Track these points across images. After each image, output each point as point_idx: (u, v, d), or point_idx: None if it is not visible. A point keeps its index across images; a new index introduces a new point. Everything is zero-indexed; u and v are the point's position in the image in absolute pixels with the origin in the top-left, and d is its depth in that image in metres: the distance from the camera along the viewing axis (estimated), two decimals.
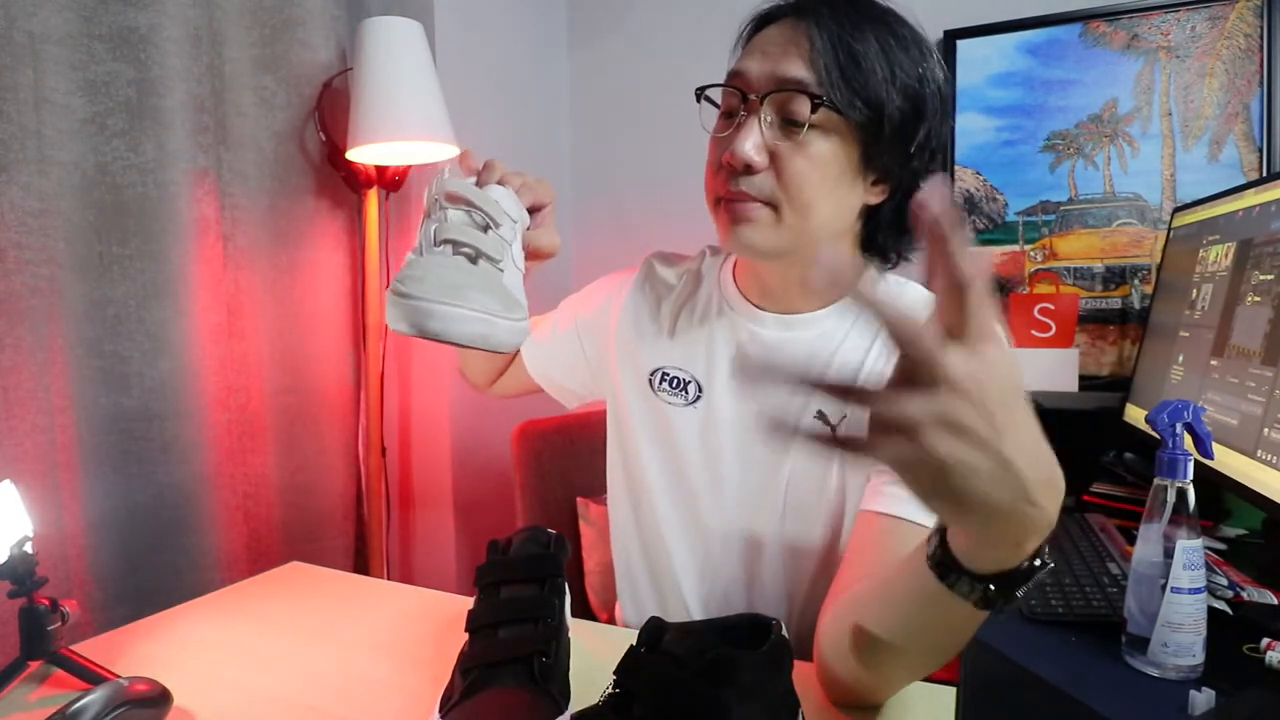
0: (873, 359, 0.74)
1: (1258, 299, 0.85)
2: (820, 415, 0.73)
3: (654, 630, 0.48)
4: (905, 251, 0.78)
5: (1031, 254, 1.43)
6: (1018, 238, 1.44)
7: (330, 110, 1.33)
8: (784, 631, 0.51)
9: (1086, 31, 1.37)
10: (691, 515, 0.82)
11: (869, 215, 0.74)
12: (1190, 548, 0.63)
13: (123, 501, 1.10)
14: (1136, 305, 1.36)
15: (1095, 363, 1.38)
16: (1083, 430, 1.20)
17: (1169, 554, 0.63)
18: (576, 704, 0.55)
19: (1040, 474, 0.38)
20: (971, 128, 1.46)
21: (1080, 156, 1.39)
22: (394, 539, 1.56)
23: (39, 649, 0.62)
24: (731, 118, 0.71)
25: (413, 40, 1.24)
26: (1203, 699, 0.58)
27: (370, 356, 1.39)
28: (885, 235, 0.76)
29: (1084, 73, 1.37)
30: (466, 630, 0.57)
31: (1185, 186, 1.32)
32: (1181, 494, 0.64)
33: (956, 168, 1.47)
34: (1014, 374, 0.37)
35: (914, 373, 0.35)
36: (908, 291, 0.77)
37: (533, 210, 0.69)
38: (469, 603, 0.59)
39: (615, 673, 0.47)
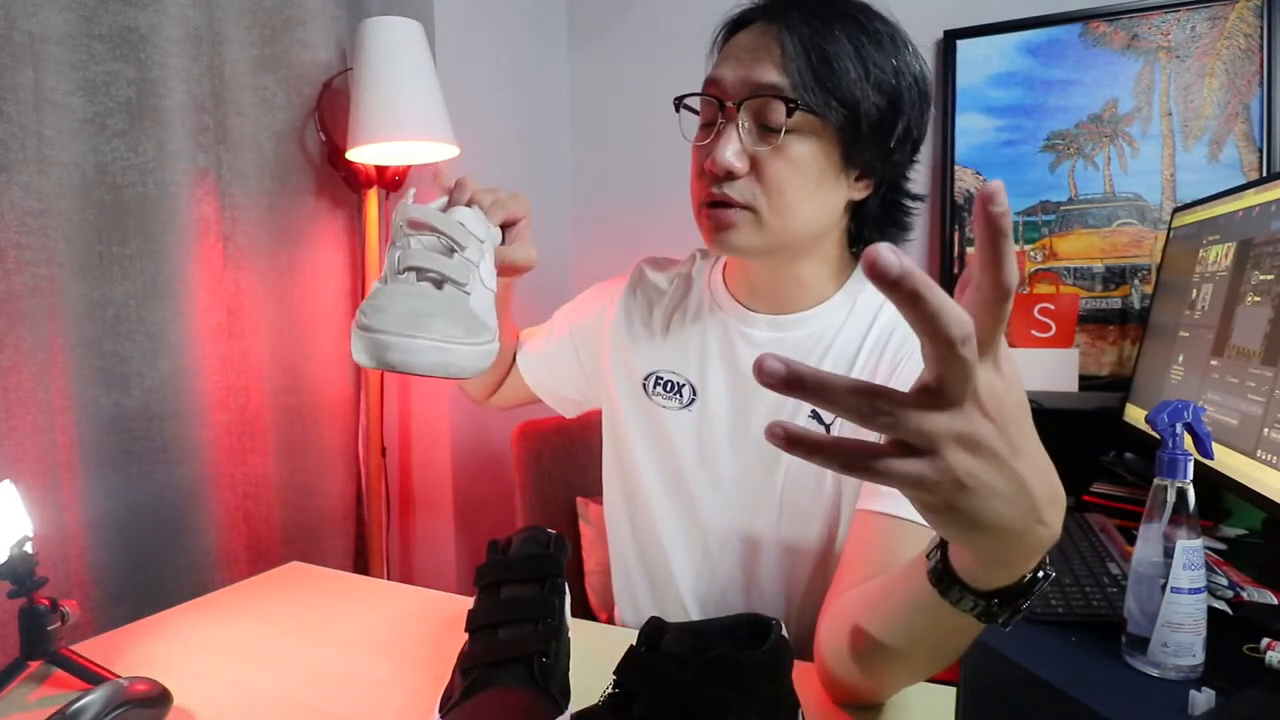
0: (864, 357, 0.74)
1: (1258, 299, 0.85)
2: (814, 415, 0.74)
3: (654, 630, 0.48)
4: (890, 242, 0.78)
5: (1031, 254, 1.43)
6: (1018, 238, 1.44)
7: (330, 110, 1.33)
8: (784, 631, 0.51)
9: (1086, 31, 1.37)
10: (689, 517, 0.82)
11: (855, 210, 0.75)
12: (1190, 548, 0.63)
13: (123, 501, 1.10)
14: (1136, 305, 1.36)
15: (1095, 363, 1.38)
16: (1083, 430, 1.20)
17: (1169, 554, 0.63)
18: (576, 704, 0.55)
19: (1048, 492, 0.37)
20: (971, 128, 1.46)
21: (1080, 156, 1.39)
22: (394, 539, 1.56)
23: (39, 649, 0.62)
24: (711, 125, 0.71)
25: (413, 40, 1.24)
26: (1203, 699, 0.58)
27: None
28: (871, 229, 0.76)
29: (1084, 73, 1.37)
30: (466, 630, 0.57)
31: (1185, 186, 1.32)
32: (1181, 494, 0.64)
33: (956, 168, 1.47)
34: (1023, 390, 0.36)
35: (944, 385, 0.31)
36: None
37: (507, 225, 0.70)
38: (469, 603, 0.59)
39: (615, 673, 0.47)
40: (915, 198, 0.78)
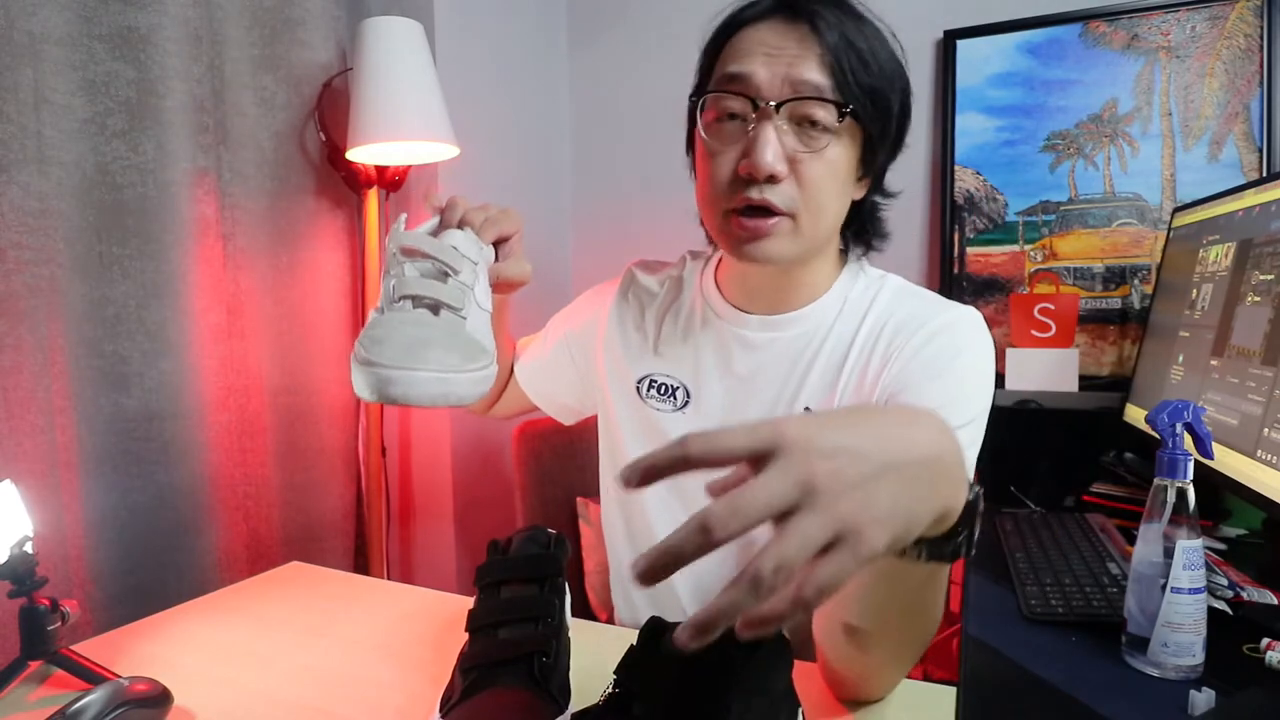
0: (857, 352, 0.74)
1: (1258, 299, 0.85)
2: (808, 411, 0.75)
3: (654, 630, 0.48)
4: (878, 240, 0.80)
5: (1031, 254, 1.43)
6: (1018, 238, 1.44)
7: (330, 110, 1.33)
8: (783, 631, 0.51)
9: (1086, 31, 1.37)
10: (684, 518, 0.82)
11: (853, 208, 0.75)
12: (1190, 548, 0.62)
13: (123, 501, 1.10)
14: (1136, 305, 1.36)
15: (1095, 363, 1.38)
16: (1083, 430, 1.20)
17: (1169, 554, 0.63)
18: (577, 704, 0.55)
19: (919, 442, 0.38)
20: (971, 128, 1.46)
21: (1080, 156, 1.39)
22: (394, 539, 1.56)
23: (39, 649, 0.62)
24: (733, 120, 0.68)
25: (413, 40, 1.24)
26: (1203, 699, 0.58)
27: None
28: (864, 226, 0.78)
29: (1084, 73, 1.37)
30: (466, 630, 0.57)
31: (1185, 186, 1.32)
32: (1181, 494, 0.64)
33: (956, 168, 1.47)
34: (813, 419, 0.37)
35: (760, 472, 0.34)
36: (889, 282, 0.79)
37: (500, 242, 0.69)
38: (469, 603, 0.59)
39: (615, 672, 0.47)
40: (891, 195, 0.79)
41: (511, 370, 0.97)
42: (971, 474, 0.46)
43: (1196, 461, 0.66)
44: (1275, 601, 0.74)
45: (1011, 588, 0.80)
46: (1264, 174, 1.26)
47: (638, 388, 0.84)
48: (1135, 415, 1.14)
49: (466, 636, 0.57)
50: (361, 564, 1.46)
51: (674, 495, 0.82)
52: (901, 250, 1.54)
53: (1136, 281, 1.36)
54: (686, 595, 0.83)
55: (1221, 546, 0.92)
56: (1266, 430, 0.77)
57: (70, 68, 1.04)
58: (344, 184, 1.36)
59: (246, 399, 1.26)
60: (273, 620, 0.78)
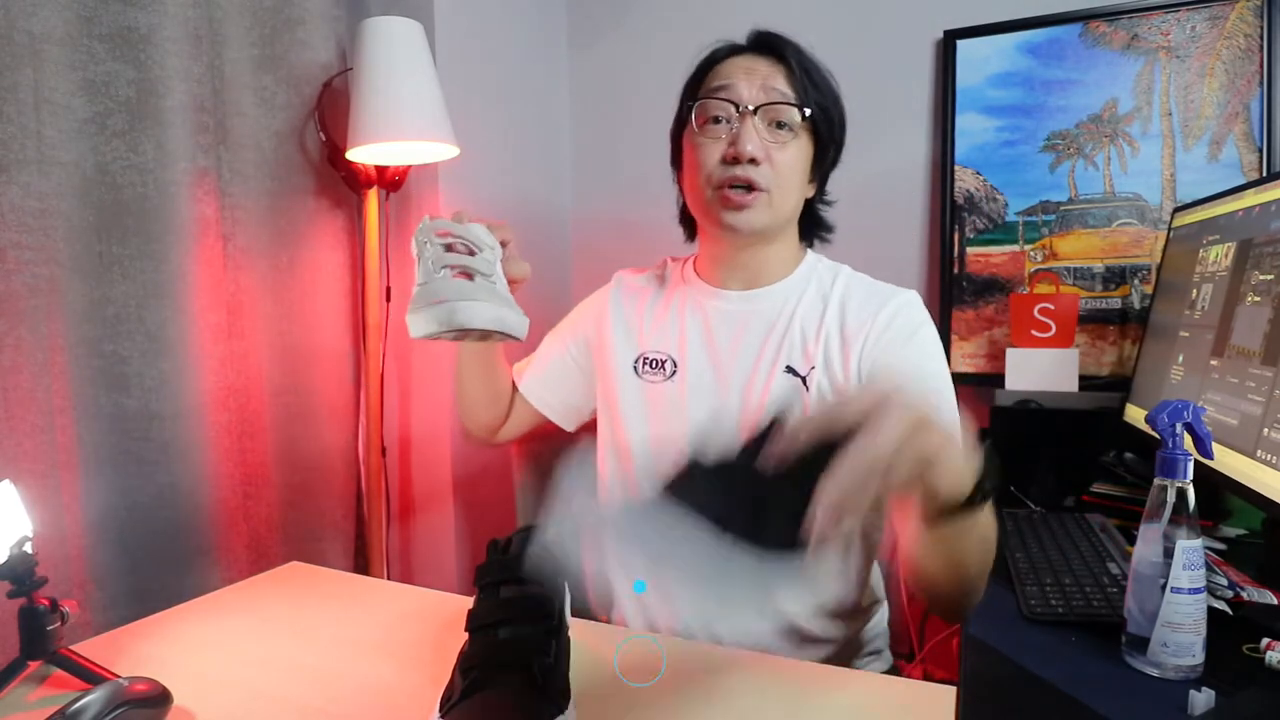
0: (830, 319, 0.89)
1: (1258, 299, 0.85)
2: (790, 370, 0.88)
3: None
4: (825, 231, 0.99)
5: (1031, 254, 1.43)
6: (1018, 238, 1.44)
7: (330, 110, 1.33)
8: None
9: (1086, 31, 1.37)
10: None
11: (805, 207, 0.94)
12: (1190, 548, 0.62)
13: (123, 501, 1.10)
14: (1136, 305, 1.36)
15: (1095, 363, 1.38)
16: (1083, 430, 1.20)
17: (1169, 554, 0.63)
18: (577, 704, 0.55)
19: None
20: (971, 128, 1.46)
21: (1080, 156, 1.39)
22: (394, 539, 1.56)
23: (39, 649, 0.62)
24: (718, 123, 0.87)
25: (413, 40, 1.24)
26: (1203, 699, 0.58)
27: (370, 356, 1.39)
28: (814, 220, 0.97)
29: (1084, 73, 1.37)
30: (466, 630, 0.57)
31: (1185, 186, 1.32)
32: (1181, 494, 0.64)
33: (956, 168, 1.47)
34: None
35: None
36: (844, 269, 0.95)
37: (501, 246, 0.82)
38: (469, 603, 0.59)
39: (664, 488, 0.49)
40: (829, 203, 0.98)
41: (513, 392, 1.07)
42: (958, 424, 0.55)
43: (1196, 461, 0.66)
44: (1275, 601, 0.74)
45: (1011, 588, 0.80)
46: (1264, 174, 1.26)
47: (634, 366, 0.96)
48: (1135, 415, 1.14)
49: (466, 636, 0.57)
50: (361, 564, 1.46)
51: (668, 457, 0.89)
52: (901, 250, 1.54)
53: (1136, 281, 1.36)
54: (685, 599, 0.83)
55: (1221, 546, 0.92)
56: (1266, 430, 0.77)
57: (70, 68, 1.04)
58: (344, 184, 1.36)
59: (246, 399, 1.26)
60: (273, 620, 0.78)
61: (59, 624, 0.63)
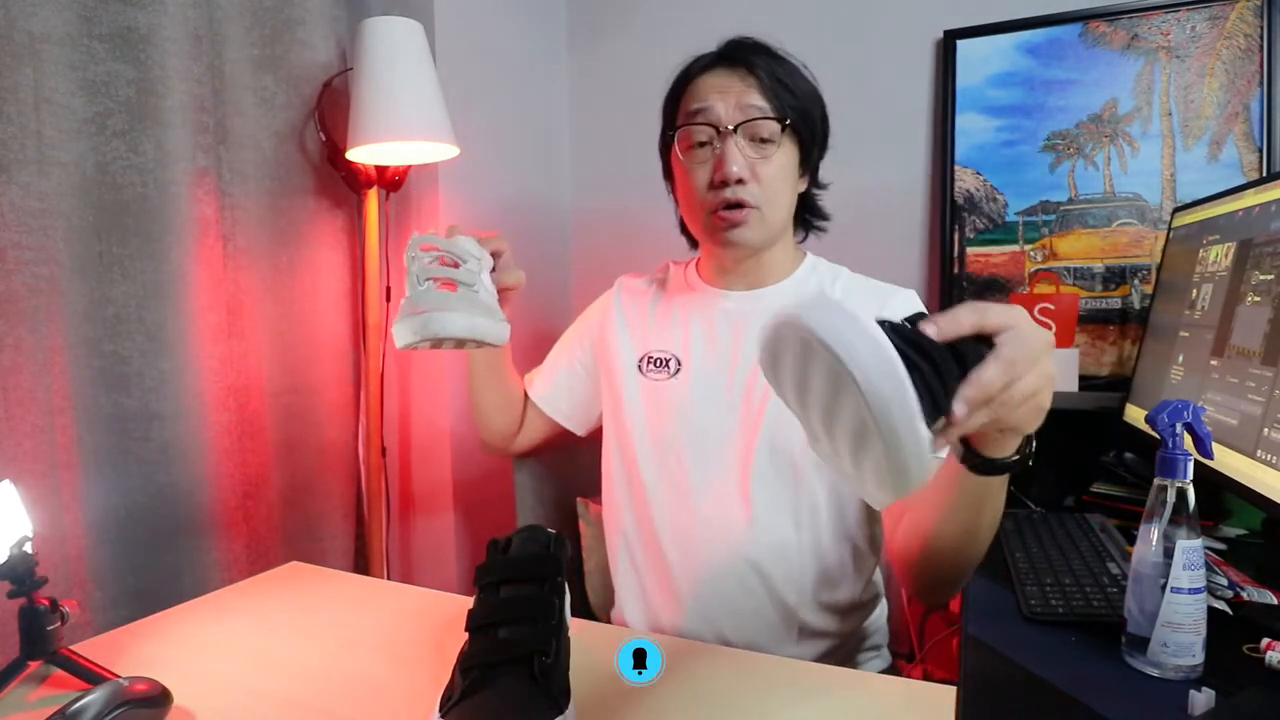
0: None
1: (1258, 299, 0.85)
2: None
3: None
4: (821, 220, 1.01)
5: (1031, 254, 1.43)
6: (1018, 238, 1.44)
7: (330, 110, 1.33)
8: None
9: (1086, 31, 1.37)
10: (678, 470, 0.92)
11: (800, 200, 0.96)
12: (1190, 548, 0.62)
13: (123, 501, 1.10)
14: (1136, 305, 1.36)
15: (1095, 363, 1.38)
16: (1083, 430, 1.20)
17: (1169, 554, 0.63)
18: (577, 704, 0.55)
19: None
20: (971, 128, 1.46)
21: (1080, 156, 1.39)
22: (394, 539, 1.56)
23: (39, 649, 0.62)
24: (702, 146, 0.88)
25: (413, 40, 1.24)
26: (1203, 699, 0.58)
27: (370, 356, 1.39)
28: (809, 213, 0.99)
29: (1084, 73, 1.37)
30: (466, 630, 0.57)
31: (1185, 186, 1.32)
32: (1181, 494, 0.64)
33: (956, 168, 1.47)
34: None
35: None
36: (843, 269, 0.98)
37: (495, 256, 0.86)
38: (469, 603, 0.59)
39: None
40: (822, 186, 1.00)
41: (525, 401, 1.10)
42: None
43: (1196, 461, 0.66)
44: (1275, 601, 0.74)
45: (1011, 587, 0.80)
46: (1264, 174, 1.26)
47: (639, 366, 0.98)
48: (1135, 415, 1.14)
49: (466, 636, 0.57)
50: (361, 564, 1.46)
51: (663, 473, 0.93)
52: (901, 250, 1.54)
53: (1136, 281, 1.36)
54: (688, 592, 0.83)
55: (1221, 546, 0.92)
56: (1266, 430, 0.77)
57: (70, 68, 1.04)
58: (344, 184, 1.35)
59: (246, 399, 1.26)
60: (273, 620, 0.78)
61: (59, 624, 0.63)
